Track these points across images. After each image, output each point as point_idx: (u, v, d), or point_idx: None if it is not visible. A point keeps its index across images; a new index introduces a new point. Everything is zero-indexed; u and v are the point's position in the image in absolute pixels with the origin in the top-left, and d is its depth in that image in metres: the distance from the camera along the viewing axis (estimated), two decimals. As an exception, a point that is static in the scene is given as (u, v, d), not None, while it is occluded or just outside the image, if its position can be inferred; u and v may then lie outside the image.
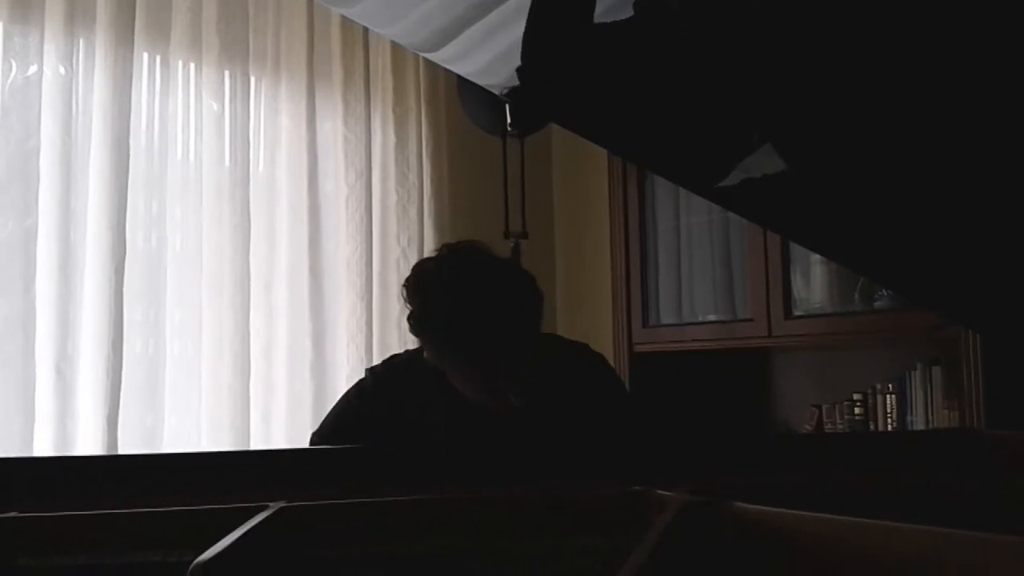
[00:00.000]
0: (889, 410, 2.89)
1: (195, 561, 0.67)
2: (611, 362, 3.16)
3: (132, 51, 2.53)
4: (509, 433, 1.64)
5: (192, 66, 2.71)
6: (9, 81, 2.34)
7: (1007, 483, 1.10)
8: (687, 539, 0.73)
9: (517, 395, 1.64)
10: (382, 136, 3.18)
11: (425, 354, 1.70)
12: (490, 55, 0.93)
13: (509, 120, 2.95)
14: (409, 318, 1.65)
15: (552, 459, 1.17)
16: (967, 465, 1.23)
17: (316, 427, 1.85)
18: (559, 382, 1.71)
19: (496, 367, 1.64)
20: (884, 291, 2.75)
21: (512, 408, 1.66)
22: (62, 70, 2.40)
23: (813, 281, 2.95)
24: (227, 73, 2.76)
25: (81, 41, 2.45)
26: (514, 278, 1.71)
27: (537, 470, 1.12)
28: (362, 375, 1.88)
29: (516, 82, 0.94)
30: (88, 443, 2.34)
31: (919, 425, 2.78)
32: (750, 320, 3.00)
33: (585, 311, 3.63)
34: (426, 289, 1.64)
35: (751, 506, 0.74)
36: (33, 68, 2.36)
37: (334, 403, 1.89)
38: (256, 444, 2.67)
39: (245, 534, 0.76)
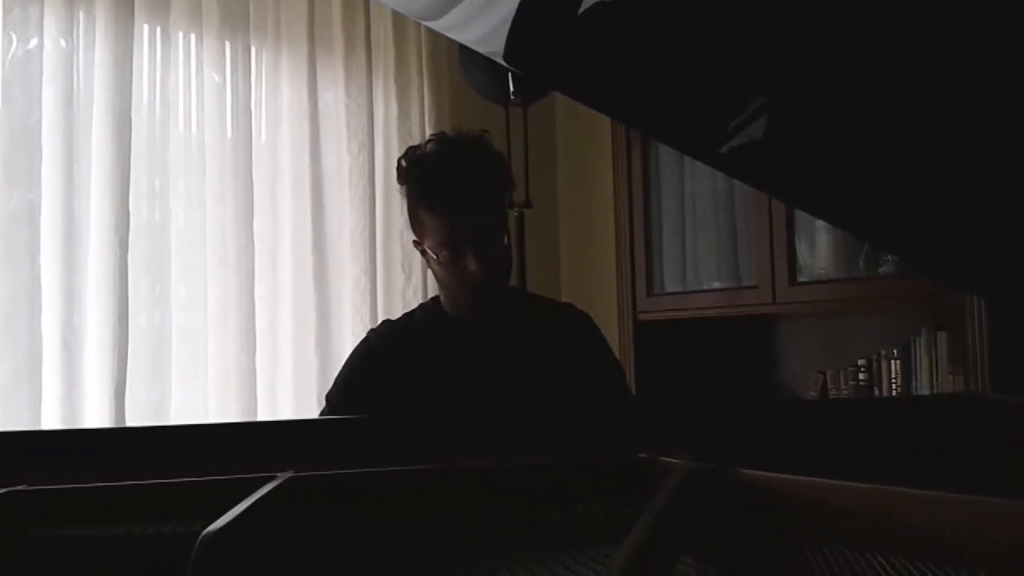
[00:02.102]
0: (894, 376, 2.89)
1: (204, 531, 0.67)
2: (616, 329, 3.19)
3: (132, 23, 2.51)
4: (510, 381, 1.68)
5: (193, 37, 2.69)
6: (10, 55, 2.32)
7: (1011, 447, 1.10)
8: (692, 506, 0.73)
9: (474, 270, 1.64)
10: (384, 106, 3.17)
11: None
12: (491, 23, 0.92)
13: (512, 88, 2.94)
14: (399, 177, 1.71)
15: (553, 423, 1.17)
16: (972, 430, 1.23)
17: (325, 393, 1.89)
18: (550, 342, 1.75)
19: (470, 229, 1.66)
20: (889, 257, 2.75)
21: (478, 299, 1.69)
22: (63, 43, 2.39)
23: (818, 247, 2.94)
24: (228, 44, 2.75)
25: (81, 13, 2.44)
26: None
27: (538, 435, 1.12)
28: None
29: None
30: (96, 416, 2.36)
31: (924, 391, 2.79)
32: (755, 287, 3.00)
33: (590, 280, 3.63)
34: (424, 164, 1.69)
35: (756, 472, 0.74)
36: (34, 41, 2.34)
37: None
38: (262, 415, 2.69)
39: (254, 504, 0.77)
